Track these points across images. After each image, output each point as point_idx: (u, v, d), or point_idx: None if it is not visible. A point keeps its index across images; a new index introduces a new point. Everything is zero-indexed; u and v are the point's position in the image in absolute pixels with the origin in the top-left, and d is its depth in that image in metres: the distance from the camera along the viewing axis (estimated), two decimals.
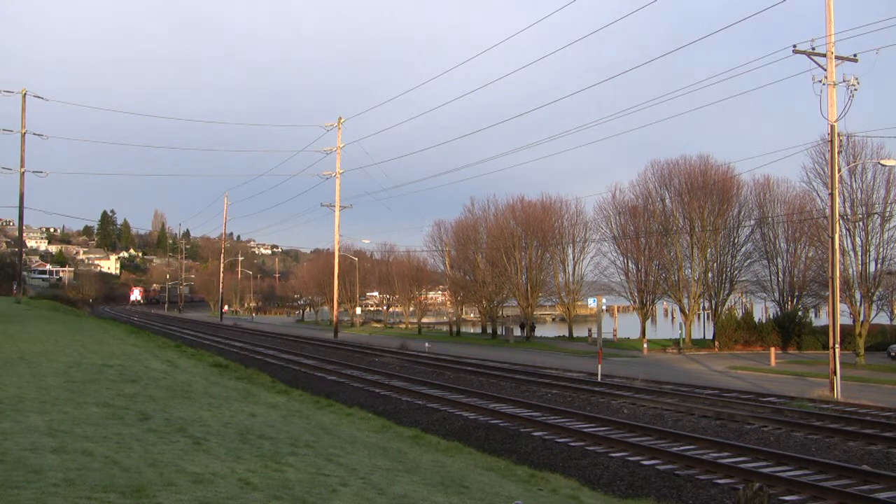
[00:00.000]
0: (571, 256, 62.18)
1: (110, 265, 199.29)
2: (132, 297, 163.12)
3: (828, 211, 30.22)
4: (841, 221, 33.27)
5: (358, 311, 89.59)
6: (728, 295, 53.28)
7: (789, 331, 48.40)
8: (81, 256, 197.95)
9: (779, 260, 51.78)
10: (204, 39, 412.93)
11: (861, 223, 39.88)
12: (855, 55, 25.29)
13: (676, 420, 18.94)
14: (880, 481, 12.37)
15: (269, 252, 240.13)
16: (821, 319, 56.70)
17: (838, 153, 25.76)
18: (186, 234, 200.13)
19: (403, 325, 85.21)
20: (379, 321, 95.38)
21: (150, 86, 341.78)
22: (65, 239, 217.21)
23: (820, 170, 40.45)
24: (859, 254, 39.99)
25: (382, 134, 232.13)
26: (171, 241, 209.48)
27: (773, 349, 39.31)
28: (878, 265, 40.08)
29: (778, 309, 52.42)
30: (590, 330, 56.09)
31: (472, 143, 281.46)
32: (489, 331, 65.20)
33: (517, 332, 59.85)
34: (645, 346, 46.90)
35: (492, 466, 11.70)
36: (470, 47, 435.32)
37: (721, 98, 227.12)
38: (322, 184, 76.44)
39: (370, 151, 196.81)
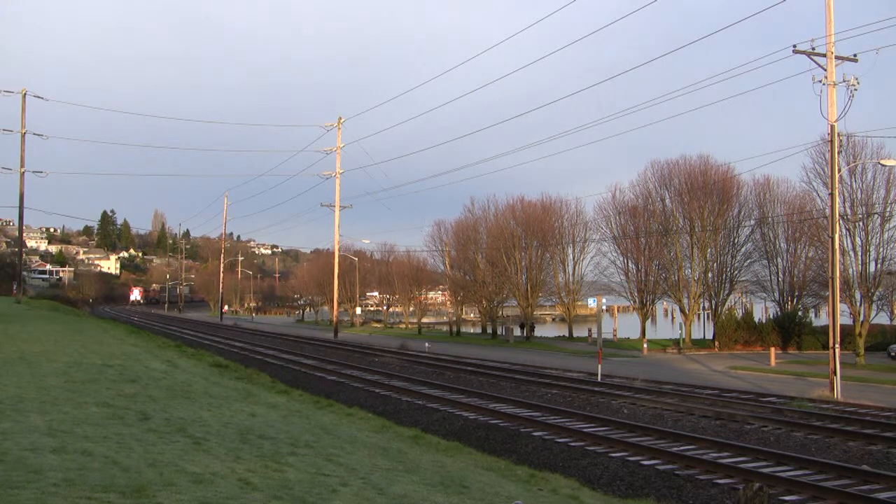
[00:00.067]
0: (571, 256, 62.28)
1: (110, 265, 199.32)
2: (132, 297, 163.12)
3: (828, 211, 30.22)
4: (841, 221, 33.28)
5: (358, 311, 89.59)
6: (728, 295, 53.29)
7: (789, 331, 48.41)
8: (81, 256, 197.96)
9: (779, 260, 51.80)
10: (204, 39, 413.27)
11: (861, 223, 39.88)
12: (855, 55, 25.30)
13: (676, 420, 18.94)
14: (880, 481, 12.37)
15: (269, 252, 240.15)
16: (821, 319, 56.71)
17: (838, 153, 25.76)
18: (186, 234, 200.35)
19: (403, 325, 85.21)
20: (379, 321, 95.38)
21: (150, 86, 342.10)
22: (65, 239, 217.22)
23: (820, 170, 40.49)
24: (859, 254, 40.00)
25: (382, 134, 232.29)
26: (171, 241, 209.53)
27: (773, 349, 39.32)
28: (878, 265, 40.09)
29: (778, 309, 52.42)
30: (590, 330, 56.09)
31: (472, 143, 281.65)
32: (489, 331, 65.20)
33: (517, 332, 59.85)
34: (645, 346, 46.90)
35: (492, 466, 11.70)
36: (470, 47, 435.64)
37: (721, 98, 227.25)
38: (322, 184, 76.49)
39: (370, 151, 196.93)
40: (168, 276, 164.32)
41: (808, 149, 44.80)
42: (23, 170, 50.35)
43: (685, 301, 52.72)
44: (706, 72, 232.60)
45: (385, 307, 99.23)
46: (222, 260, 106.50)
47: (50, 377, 13.94)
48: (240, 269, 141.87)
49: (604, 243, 58.60)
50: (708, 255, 51.65)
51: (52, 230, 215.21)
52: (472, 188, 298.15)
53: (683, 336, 50.51)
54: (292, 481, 7.64)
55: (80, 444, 8.08)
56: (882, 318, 44.91)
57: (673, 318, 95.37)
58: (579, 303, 64.05)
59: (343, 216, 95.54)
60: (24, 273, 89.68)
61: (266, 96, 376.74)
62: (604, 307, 44.70)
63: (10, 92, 49.59)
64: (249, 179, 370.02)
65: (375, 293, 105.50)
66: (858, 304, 39.58)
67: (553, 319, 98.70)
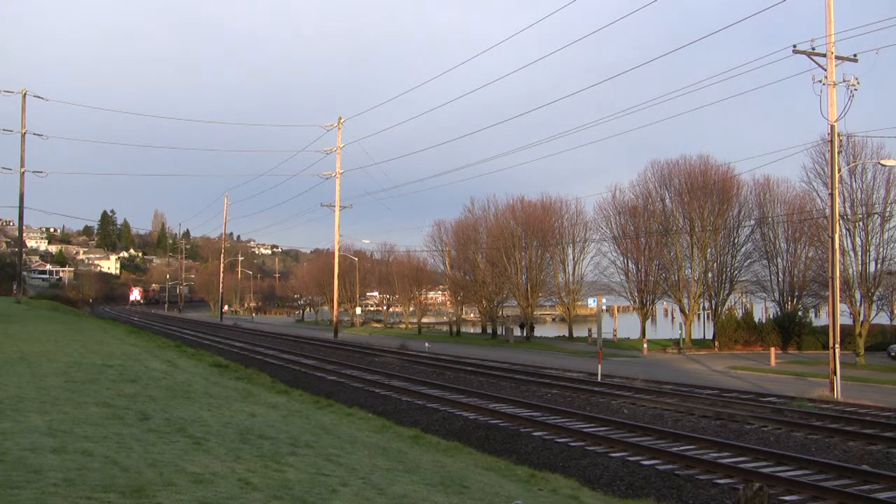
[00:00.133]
0: (571, 256, 62.28)
1: (110, 265, 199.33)
2: (132, 297, 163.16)
3: (828, 211, 30.22)
4: (841, 221, 33.28)
5: (358, 311, 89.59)
6: (728, 295, 53.29)
7: (789, 331, 48.40)
8: (81, 256, 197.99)
9: (779, 260, 51.80)
10: (204, 39, 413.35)
11: (861, 223, 39.88)
12: (855, 55, 25.30)
13: (676, 420, 18.94)
14: (880, 481, 12.37)
15: (269, 252, 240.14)
16: (821, 319, 56.71)
17: (838, 153, 25.76)
18: (186, 234, 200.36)
19: (403, 325, 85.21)
20: (379, 321, 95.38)
21: (150, 86, 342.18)
22: (65, 239, 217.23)
23: (820, 170, 40.49)
24: (859, 254, 40.00)
25: (382, 134, 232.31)
26: (171, 241, 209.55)
27: (773, 349, 39.31)
28: (878, 265, 40.09)
29: (778, 309, 52.42)
30: (590, 330, 56.09)
31: (472, 143, 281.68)
32: (489, 331, 65.20)
33: (517, 332, 59.86)
34: (645, 346, 46.90)
35: (492, 466, 11.70)
36: (470, 47, 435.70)
37: (721, 98, 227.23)
38: (322, 184, 76.50)
39: (370, 151, 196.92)
40: (168, 276, 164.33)
41: (808, 149, 44.85)
42: (23, 170, 50.35)
43: (685, 301, 52.72)
44: (706, 72, 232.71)
45: (385, 307, 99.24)
46: (222, 260, 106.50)
47: (50, 377, 13.93)
48: (240, 269, 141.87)
49: (604, 243, 58.69)
50: (708, 255, 51.65)
51: (52, 230, 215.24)
52: (472, 188, 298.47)
53: (683, 336, 50.51)
54: (292, 481, 7.64)
55: (80, 444, 8.08)
56: (882, 318, 44.91)
57: (673, 318, 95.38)
58: (579, 303, 64.05)
59: (343, 216, 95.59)
60: (24, 273, 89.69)
61: (266, 96, 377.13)
62: (604, 307, 44.69)
63: (10, 92, 49.62)
64: (249, 179, 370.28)
65: (375, 293, 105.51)
66: (858, 304, 39.58)
67: (553, 319, 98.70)
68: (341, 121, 58.78)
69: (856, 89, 24.72)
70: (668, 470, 13.31)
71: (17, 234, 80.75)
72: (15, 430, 8.51)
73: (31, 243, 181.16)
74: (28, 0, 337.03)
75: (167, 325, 74.72)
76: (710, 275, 51.86)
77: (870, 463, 14.17)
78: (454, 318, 72.38)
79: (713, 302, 52.38)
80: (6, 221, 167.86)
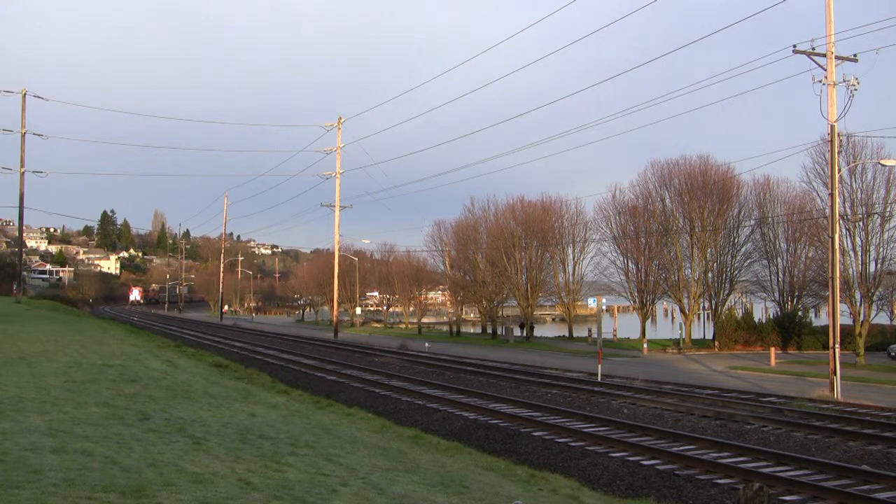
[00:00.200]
0: (571, 256, 62.28)
1: (110, 265, 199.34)
2: (131, 297, 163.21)
3: (828, 211, 30.22)
4: (841, 221, 33.27)
5: (358, 311, 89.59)
6: (728, 295, 53.29)
7: (789, 331, 48.40)
8: (81, 256, 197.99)
9: (779, 260, 51.81)
10: (204, 39, 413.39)
11: (861, 223, 39.88)
12: (855, 55, 25.30)
13: (676, 420, 18.94)
14: (880, 481, 12.37)
15: (269, 252, 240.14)
16: (821, 319, 56.70)
17: (838, 153, 25.76)
18: (186, 234, 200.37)
19: (403, 325, 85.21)
20: (379, 321, 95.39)
21: (150, 86, 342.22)
22: (65, 239, 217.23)
23: (820, 170, 40.49)
24: (859, 254, 40.00)
25: (382, 134, 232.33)
26: (171, 241, 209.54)
27: (773, 349, 39.31)
28: (878, 265, 40.09)
29: (778, 309, 52.42)
30: (590, 330, 56.09)
31: (472, 143, 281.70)
32: (489, 331, 65.20)
33: (517, 332, 59.86)
34: (645, 346, 46.90)
35: (492, 466, 11.70)
36: (470, 47, 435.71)
37: (721, 98, 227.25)
38: (322, 184, 76.50)
39: (370, 151, 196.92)
40: (168, 276, 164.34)
41: (808, 149, 44.85)
42: (23, 170, 50.35)
43: (685, 301, 52.72)
44: (706, 72, 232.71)
45: (385, 307, 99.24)
46: (222, 260, 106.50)
47: (50, 377, 13.93)
48: (240, 269, 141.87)
49: (604, 243, 58.69)
50: (708, 255, 51.65)
51: (52, 230, 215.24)
52: (472, 188, 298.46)
53: (683, 336, 50.51)
54: (292, 481, 7.64)
55: (80, 444, 8.08)
56: (882, 318, 44.91)
57: (673, 318, 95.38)
58: (579, 303, 64.04)
59: (343, 216, 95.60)
60: (24, 273, 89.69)
61: (266, 96, 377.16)
62: (604, 307, 44.69)
63: (10, 92, 49.62)
64: (249, 179, 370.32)
65: (375, 293, 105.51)
66: (858, 304, 39.58)
67: (553, 319, 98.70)
68: (341, 121, 58.80)
69: (856, 89, 24.72)
70: (668, 470, 13.31)
71: (17, 234, 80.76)
72: (15, 430, 8.51)
73: (31, 243, 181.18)
74: (28, 0, 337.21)
75: (167, 325, 74.71)
76: (710, 275, 51.86)
77: (870, 463, 14.17)
78: (454, 318, 72.38)
79: (713, 302, 52.38)
80: (6, 221, 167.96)
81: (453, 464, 11.23)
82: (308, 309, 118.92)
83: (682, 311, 53.61)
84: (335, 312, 64.96)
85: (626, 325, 69.70)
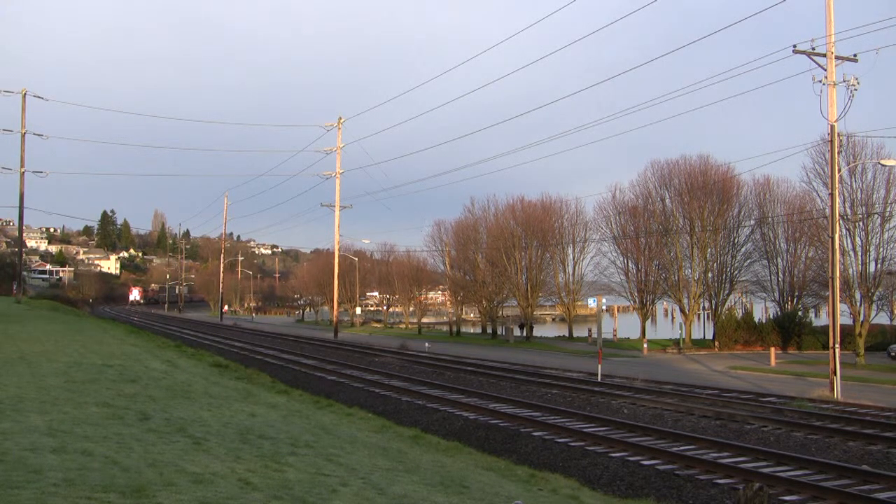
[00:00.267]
0: (571, 256, 62.27)
1: (110, 265, 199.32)
2: (131, 297, 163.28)
3: (828, 211, 30.21)
4: (841, 221, 33.27)
5: (358, 311, 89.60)
6: (728, 295, 53.29)
7: (789, 331, 48.40)
8: (81, 256, 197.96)
9: (779, 260, 51.81)
10: (204, 39, 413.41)
11: (861, 223, 39.88)
12: (855, 55, 25.29)
13: (676, 420, 18.94)
14: (880, 481, 12.37)
15: (269, 252, 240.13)
16: (821, 319, 56.71)
17: (838, 153, 25.76)
18: (186, 234, 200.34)
19: (403, 325, 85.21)
20: (379, 321, 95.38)
21: (150, 86, 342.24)
22: (65, 239, 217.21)
23: (820, 170, 40.49)
24: (859, 254, 40.00)
25: (382, 134, 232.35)
26: (171, 241, 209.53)
27: (773, 349, 39.31)
28: (878, 265, 40.09)
29: (778, 309, 52.42)
30: (590, 330, 56.09)
31: (472, 143, 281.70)
32: (489, 331, 65.20)
33: (517, 332, 59.86)
34: (645, 346, 46.90)
35: (492, 466, 11.70)
36: (470, 47, 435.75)
37: (721, 98, 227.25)
38: (322, 184, 76.51)
39: (370, 151, 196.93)
40: (168, 276, 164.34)
41: (808, 149, 44.84)
42: (23, 170, 50.35)
43: (685, 301, 52.72)
44: (706, 72, 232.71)
45: (385, 307, 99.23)
46: (222, 260, 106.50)
47: (50, 377, 13.93)
48: (240, 269, 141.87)
49: (604, 243, 58.69)
50: (708, 255, 51.65)
51: (52, 230, 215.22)
52: (472, 188, 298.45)
53: (683, 336, 50.51)
54: (292, 481, 7.64)
55: (80, 444, 8.08)
56: (882, 318, 44.91)
57: (673, 318, 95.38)
58: (579, 303, 64.04)
59: (343, 216, 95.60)
60: (24, 273, 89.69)
61: (266, 96, 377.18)
62: (604, 307, 44.69)
63: (10, 92, 49.62)
64: (249, 179, 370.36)
65: (375, 293, 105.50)
66: (858, 304, 39.58)
67: (553, 319, 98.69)
68: (341, 121, 58.80)
69: (856, 89, 24.72)
70: (668, 470, 13.31)
71: (17, 234, 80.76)
72: (15, 430, 8.51)
73: (31, 243, 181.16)
74: (28, 0, 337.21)
75: (167, 325, 74.71)
76: (710, 275, 51.86)
77: (870, 463, 14.17)
78: (454, 318, 72.38)
79: (713, 302, 52.38)
80: (6, 221, 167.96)
81: (453, 464, 11.23)
82: (308, 309, 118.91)
83: (682, 311, 53.61)
84: (335, 312, 64.96)
85: (626, 325, 69.70)
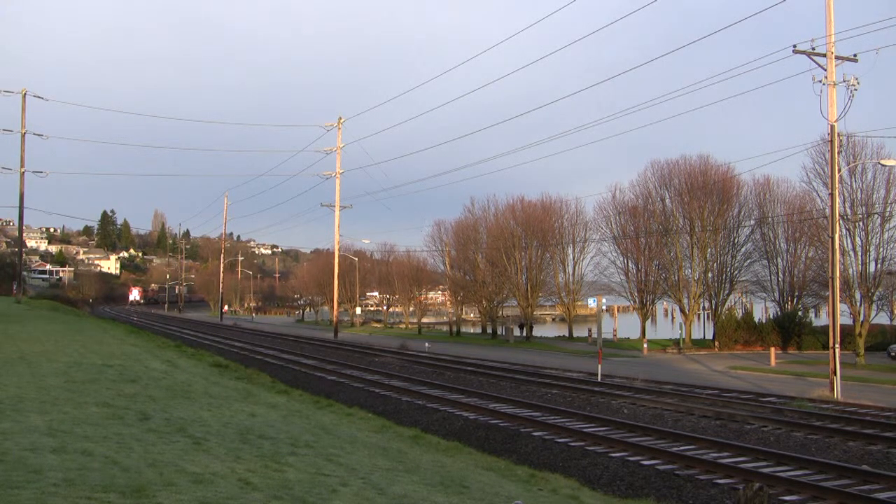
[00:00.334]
0: (571, 256, 62.28)
1: (110, 265, 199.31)
2: (131, 297, 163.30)
3: (828, 211, 30.21)
4: (841, 221, 33.27)
5: (358, 311, 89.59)
6: (728, 295, 53.29)
7: (789, 331, 48.40)
8: (81, 256, 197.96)
9: (779, 260, 51.81)
10: (204, 39, 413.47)
11: (861, 223, 39.88)
12: (855, 55, 25.29)
13: (676, 420, 18.94)
14: (880, 481, 12.37)
15: (269, 252, 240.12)
16: (821, 319, 56.71)
17: (838, 153, 25.76)
18: (186, 234, 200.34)
19: (403, 325, 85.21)
20: (379, 321, 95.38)
21: (150, 86, 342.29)
22: (65, 239, 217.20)
23: (820, 170, 40.49)
24: (859, 254, 40.00)
25: (382, 134, 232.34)
26: (171, 241, 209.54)
27: (773, 349, 39.31)
28: (878, 265, 40.09)
29: (778, 309, 52.42)
30: (590, 330, 56.09)
31: (472, 143, 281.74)
32: (489, 331, 65.20)
33: (517, 332, 59.87)
34: (645, 346, 46.90)
35: (492, 466, 11.70)
36: (470, 47, 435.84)
37: (721, 98, 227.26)
38: (322, 184, 76.52)
39: (370, 151, 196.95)
40: (168, 276, 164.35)
41: (808, 149, 44.85)
42: (23, 170, 50.35)
43: (685, 301, 52.72)
44: (706, 72, 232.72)
45: (385, 307, 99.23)
46: (222, 260, 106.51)
47: (50, 377, 13.93)
48: (240, 269, 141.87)
49: (604, 243, 58.69)
50: (708, 255, 51.65)
51: (52, 230, 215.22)
52: (472, 188, 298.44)
53: (683, 336, 50.51)
54: (292, 481, 7.64)
55: (80, 444, 8.08)
56: (882, 318, 44.91)
57: (673, 318, 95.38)
58: (579, 303, 64.04)
59: (343, 216, 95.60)
60: (24, 273, 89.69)
61: (266, 96, 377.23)
62: (604, 307, 44.69)
63: (10, 92, 49.62)
64: (249, 179, 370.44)
65: (375, 293, 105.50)
66: (858, 304, 39.58)
67: (553, 319, 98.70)
68: (341, 121, 58.80)
69: (856, 89, 24.72)
70: (668, 470, 13.31)
71: (17, 234, 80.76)
72: (15, 430, 8.51)
73: (31, 243, 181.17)
74: (28, 0, 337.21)
75: (167, 325, 74.71)
76: (710, 275, 51.86)
77: (870, 463, 14.17)
78: (454, 318, 72.38)
79: (713, 302, 52.38)
80: (6, 221, 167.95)
81: (453, 464, 11.23)
82: (308, 309, 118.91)
83: (682, 311, 53.61)
84: (335, 312, 64.96)
85: (626, 325, 69.70)
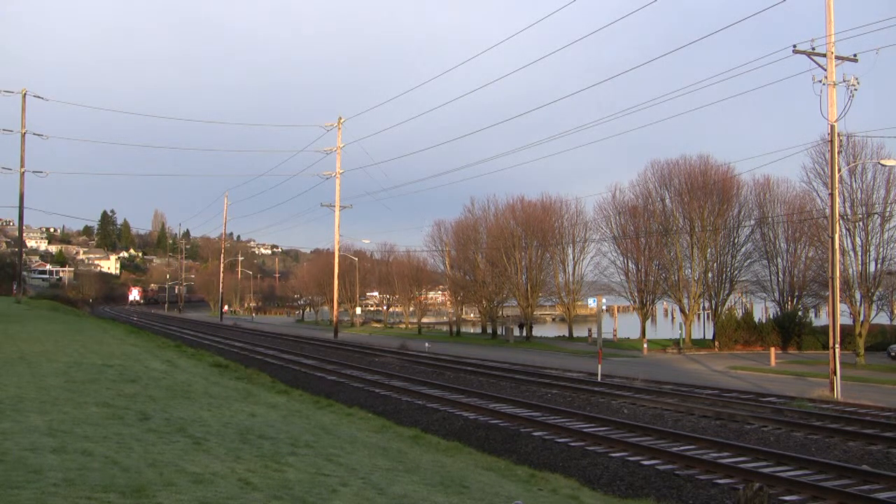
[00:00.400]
0: (571, 256, 62.27)
1: (110, 265, 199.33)
2: (131, 297, 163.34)
3: (828, 211, 30.21)
4: (841, 221, 33.27)
5: (358, 311, 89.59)
6: (728, 295, 53.29)
7: (789, 331, 48.40)
8: (81, 256, 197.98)
9: (779, 260, 51.81)
10: (204, 39, 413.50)
11: (861, 223, 39.88)
12: (855, 55, 25.30)
13: (676, 420, 18.94)
14: (880, 481, 12.37)
15: (269, 252, 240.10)
16: (821, 319, 56.71)
17: (838, 153, 25.76)
18: (186, 234, 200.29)
19: (403, 325, 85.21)
20: (379, 321, 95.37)
21: (150, 86, 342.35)
22: (65, 239, 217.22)
23: (820, 170, 40.49)
24: (859, 254, 40.00)
25: (382, 134, 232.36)
26: (171, 241, 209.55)
27: (773, 349, 39.31)
28: (878, 265, 40.09)
29: (778, 309, 52.42)
30: (590, 330, 56.09)
31: (472, 143, 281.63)
32: (489, 331, 65.21)
33: (517, 332, 59.87)
34: (645, 346, 46.90)
35: (492, 466, 11.70)
36: (470, 47, 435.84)
37: (721, 98, 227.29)
38: (322, 184, 76.53)
39: (370, 151, 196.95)
40: (168, 276, 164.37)
41: (808, 149, 44.84)
42: (23, 170, 50.35)
43: (685, 301, 52.72)
44: (706, 72, 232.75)
45: (385, 307, 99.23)
46: (222, 260, 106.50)
47: (50, 377, 13.93)
48: (240, 269, 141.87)
49: (604, 243, 58.69)
50: (708, 255, 51.65)
51: (52, 230, 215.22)
52: (472, 188, 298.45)
53: (683, 336, 50.51)
54: (292, 481, 7.64)
55: (80, 444, 8.08)
56: (882, 318, 44.91)
57: (673, 318, 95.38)
58: (579, 303, 64.04)
59: (343, 216, 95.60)
60: (24, 273, 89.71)
61: (266, 96, 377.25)
62: (604, 307, 44.69)
63: (10, 92, 49.63)
64: (249, 179, 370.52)
65: (375, 293, 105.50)
66: (858, 304, 39.57)
67: (553, 319, 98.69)
68: (341, 121, 58.81)
69: (856, 89, 24.72)
70: (668, 470, 13.31)
71: (17, 234, 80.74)
72: (15, 430, 8.51)
73: (31, 243, 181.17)
74: (28, 0, 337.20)
75: (167, 325, 74.71)
76: (710, 275, 51.86)
77: (870, 463, 14.17)
78: (454, 318, 72.38)
79: (713, 302, 52.37)
80: (6, 221, 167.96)
81: (453, 464, 11.23)
82: (308, 309, 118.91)
83: (682, 311, 53.61)
84: (335, 312, 64.96)
85: (626, 325, 69.70)
